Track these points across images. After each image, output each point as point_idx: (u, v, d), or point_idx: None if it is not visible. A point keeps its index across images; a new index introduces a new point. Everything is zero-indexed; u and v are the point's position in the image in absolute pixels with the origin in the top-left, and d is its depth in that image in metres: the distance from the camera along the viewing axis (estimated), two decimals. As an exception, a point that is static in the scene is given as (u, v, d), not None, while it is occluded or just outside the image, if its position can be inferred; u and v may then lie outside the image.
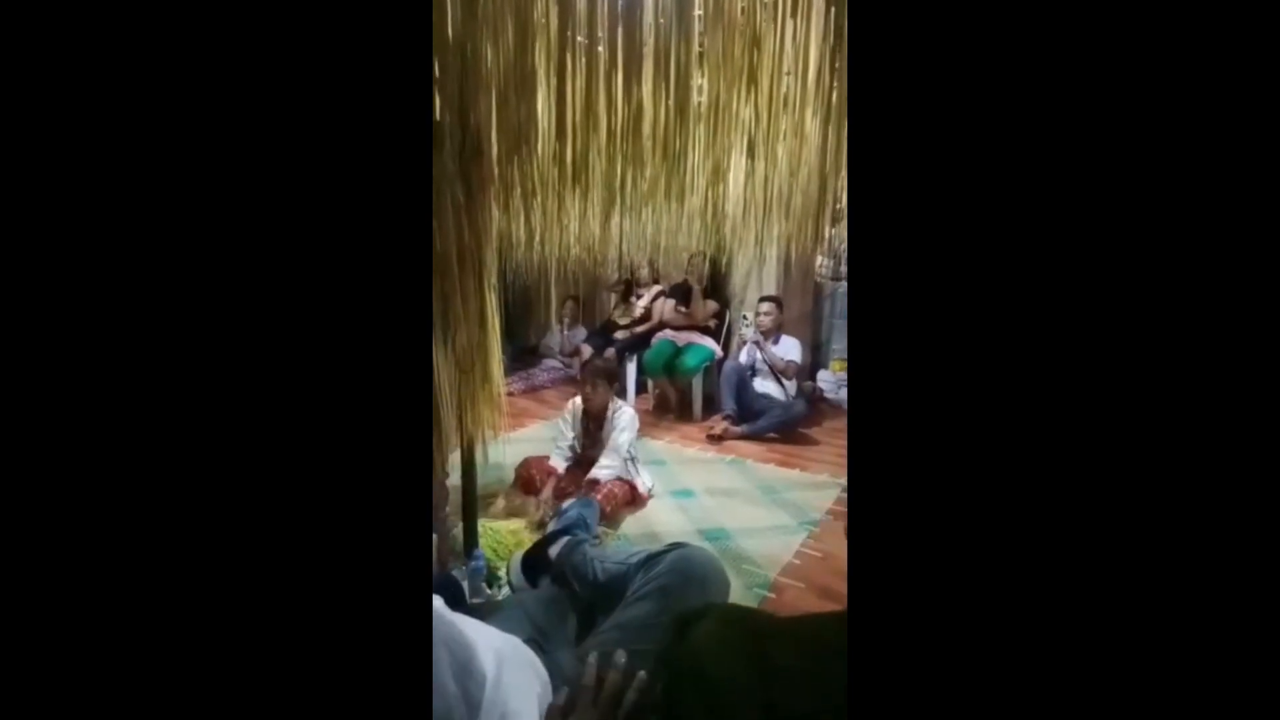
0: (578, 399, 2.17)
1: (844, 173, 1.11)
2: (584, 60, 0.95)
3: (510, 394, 2.93)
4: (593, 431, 2.14)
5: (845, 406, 3.14)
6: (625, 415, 2.08)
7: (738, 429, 2.72)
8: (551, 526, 1.58)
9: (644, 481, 2.05)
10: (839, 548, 1.70)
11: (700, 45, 0.95)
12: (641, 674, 0.62)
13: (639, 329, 3.41)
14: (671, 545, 1.09)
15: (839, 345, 3.42)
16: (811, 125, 1.08)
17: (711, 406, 3.01)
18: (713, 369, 3.07)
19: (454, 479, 1.36)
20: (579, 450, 2.16)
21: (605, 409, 2.11)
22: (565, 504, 1.76)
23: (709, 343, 3.12)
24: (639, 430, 2.17)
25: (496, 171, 1.02)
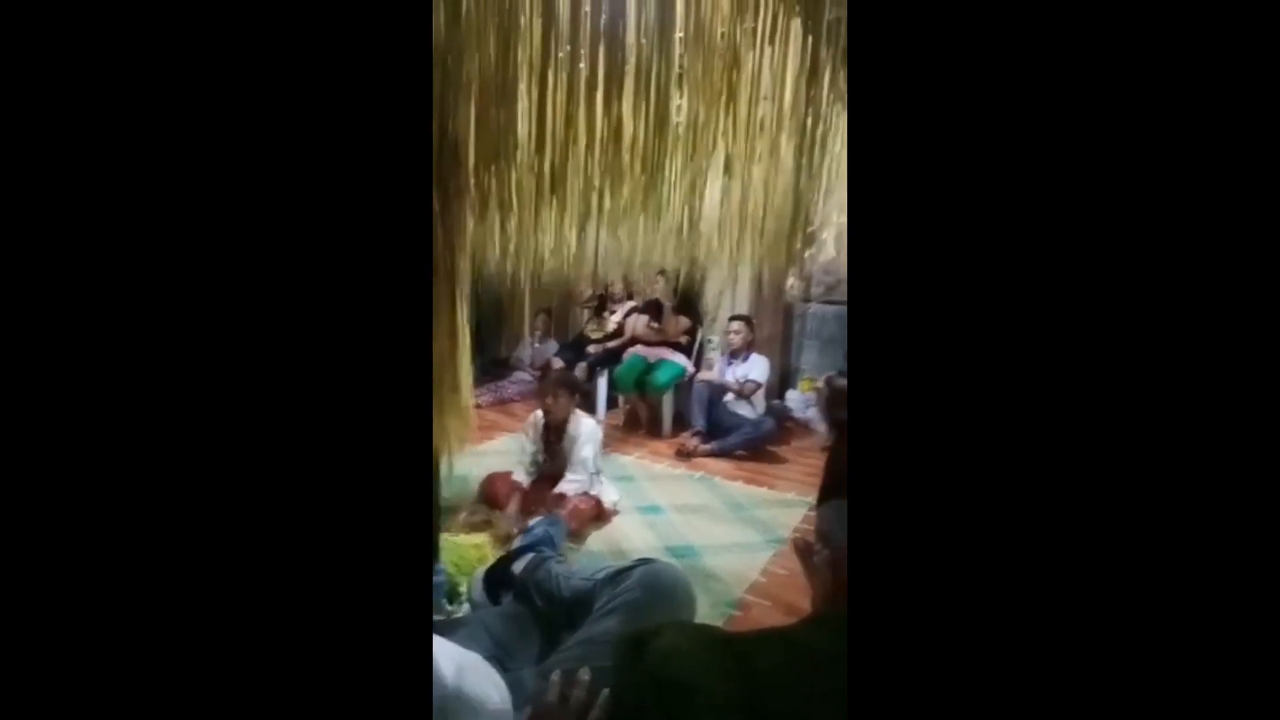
0: (539, 412, 2.15)
1: (817, 196, 1.14)
2: (565, 74, 0.96)
3: (479, 406, 2.88)
4: (554, 444, 2.11)
5: (813, 425, 3.18)
6: (586, 426, 2.06)
7: (707, 446, 2.73)
8: (516, 543, 1.56)
9: (610, 496, 2.03)
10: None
11: (680, 66, 0.97)
12: (605, 691, 0.61)
13: (611, 344, 3.41)
14: (638, 561, 1.08)
15: (808, 365, 3.48)
16: (786, 149, 1.10)
17: (681, 423, 3.02)
18: (683, 385, 3.09)
19: (418, 491, 1.33)
20: (541, 464, 2.14)
21: (566, 421, 2.08)
22: (531, 521, 1.73)
23: (680, 359, 3.14)
24: (605, 444, 2.15)
25: (473, 181, 1.01)
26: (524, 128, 1.00)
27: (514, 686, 0.75)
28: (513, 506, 1.91)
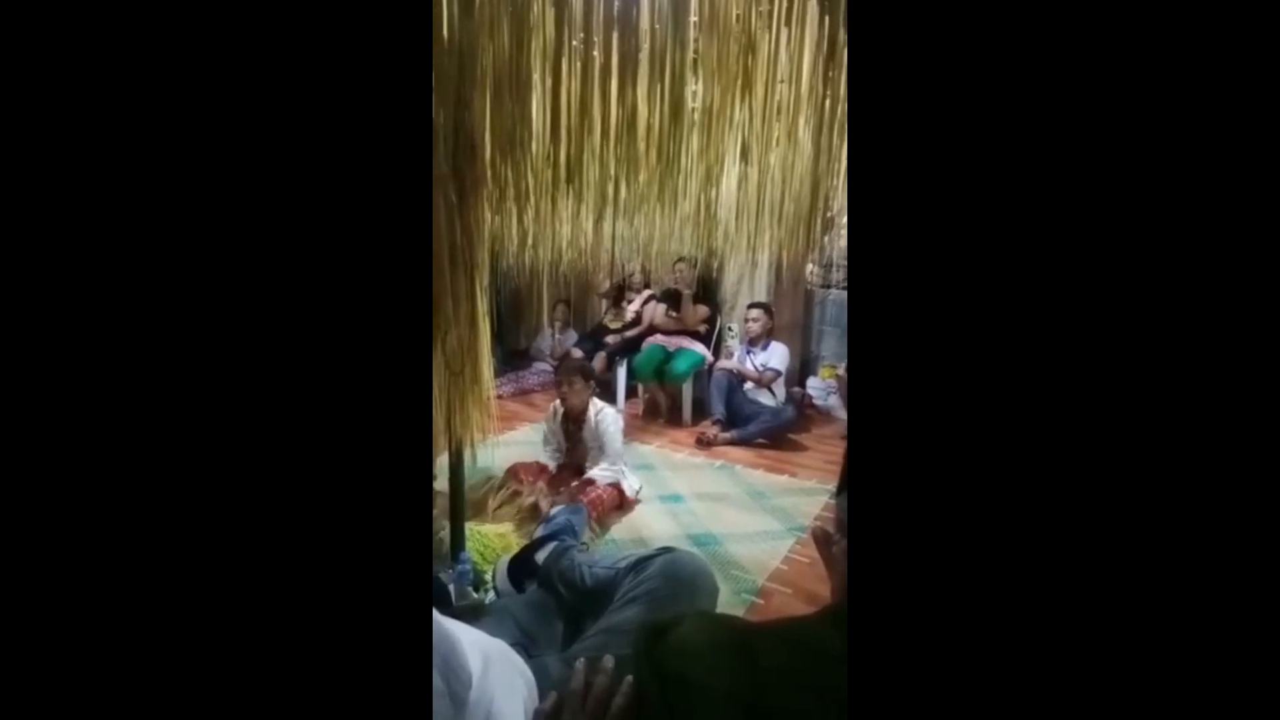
0: (557, 401, 2.17)
1: (836, 180, 1.12)
2: (579, 63, 0.95)
3: (500, 397, 2.91)
4: (574, 432, 2.13)
5: (834, 413, 3.15)
6: (610, 415, 2.08)
7: (727, 434, 2.73)
8: (539, 532, 1.58)
9: (632, 485, 2.05)
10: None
11: (695, 51, 0.96)
12: (629, 679, 0.61)
13: (629, 333, 3.41)
14: (660, 550, 1.09)
15: (828, 352, 3.44)
16: (804, 133, 1.09)
17: (701, 411, 3.01)
18: (703, 374, 3.08)
19: (441, 482, 1.35)
20: (564, 452, 2.16)
21: (584, 409, 2.10)
22: (554, 510, 1.75)
23: (699, 348, 3.13)
24: (625, 433, 2.17)
25: (489, 173, 1.01)
26: (539, 118, 1.00)
27: (538, 673, 0.76)
28: (541, 481, 1.94)
